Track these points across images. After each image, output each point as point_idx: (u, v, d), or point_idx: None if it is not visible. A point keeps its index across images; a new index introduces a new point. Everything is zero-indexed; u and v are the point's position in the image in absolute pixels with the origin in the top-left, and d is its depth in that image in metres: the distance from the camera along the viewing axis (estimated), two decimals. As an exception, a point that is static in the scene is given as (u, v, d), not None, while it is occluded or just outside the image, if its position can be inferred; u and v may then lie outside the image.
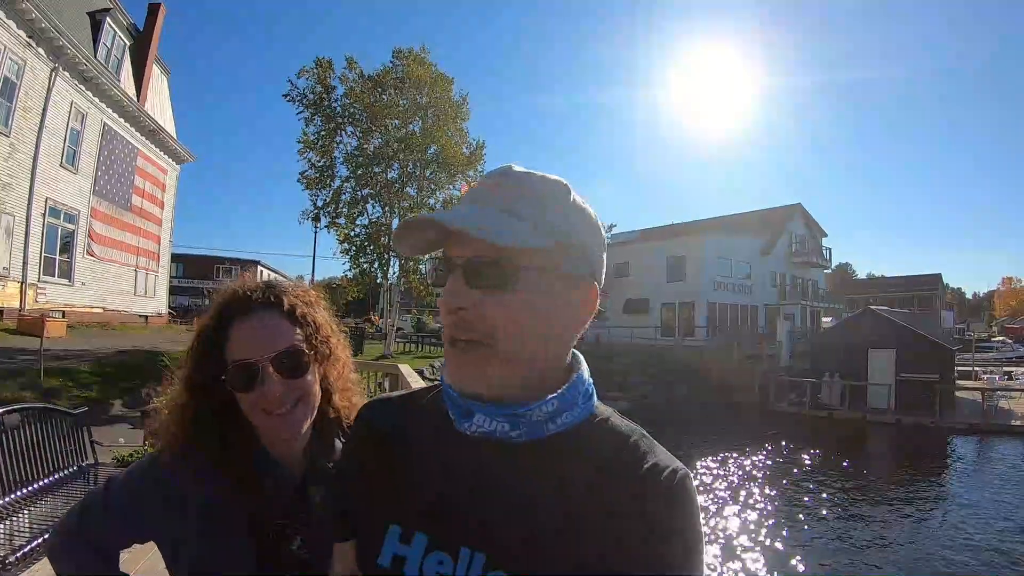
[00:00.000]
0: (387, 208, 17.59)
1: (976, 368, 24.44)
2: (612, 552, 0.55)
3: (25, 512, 3.20)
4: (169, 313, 22.12)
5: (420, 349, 18.91)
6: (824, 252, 35.97)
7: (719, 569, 7.92)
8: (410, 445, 0.67)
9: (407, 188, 17.69)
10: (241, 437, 0.91)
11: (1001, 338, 49.27)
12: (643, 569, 0.55)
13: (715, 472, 13.03)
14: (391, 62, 17.57)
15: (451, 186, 17.84)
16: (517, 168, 0.63)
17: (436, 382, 0.72)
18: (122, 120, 18.36)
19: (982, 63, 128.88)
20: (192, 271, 37.49)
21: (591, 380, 0.67)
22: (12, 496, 3.26)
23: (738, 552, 8.48)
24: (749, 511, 10.37)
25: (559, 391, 0.62)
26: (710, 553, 8.26)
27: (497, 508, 0.59)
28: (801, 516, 10.46)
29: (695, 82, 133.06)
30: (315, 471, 0.91)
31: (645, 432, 0.65)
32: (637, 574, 0.55)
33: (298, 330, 0.92)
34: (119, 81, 18.06)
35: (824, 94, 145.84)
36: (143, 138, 20.05)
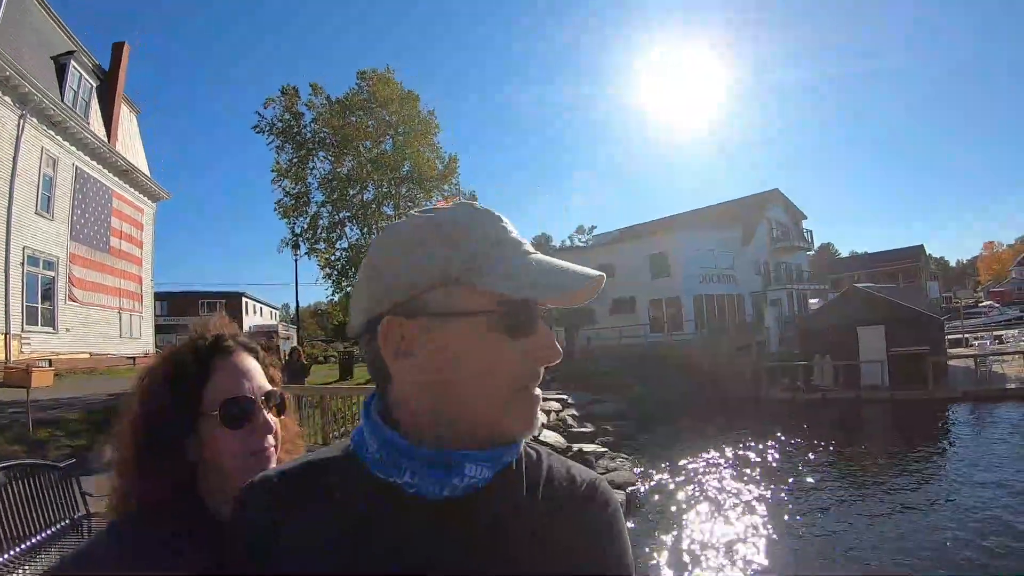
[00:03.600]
0: (365, 229, 17.61)
1: (966, 335, 24.68)
2: (566, 567, 0.58)
3: (20, 572, 3.18)
4: (156, 353, 21.91)
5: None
6: (805, 234, 36.21)
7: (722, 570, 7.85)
8: (343, 536, 0.57)
9: (384, 208, 17.73)
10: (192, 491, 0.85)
11: (988, 303, 49.70)
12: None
13: (712, 468, 13.00)
14: (356, 84, 17.64)
15: (427, 202, 17.84)
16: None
17: (330, 451, 0.66)
18: (94, 162, 18.34)
19: (955, 37, 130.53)
20: (176, 309, 37.57)
21: None
22: (5, 555, 3.21)
23: (738, 551, 8.42)
24: (749, 506, 10.39)
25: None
26: (710, 556, 8.27)
27: (474, 565, 0.56)
28: (804, 504, 10.52)
29: (665, 76, 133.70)
30: None
31: (548, 449, 0.68)
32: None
33: (266, 376, 0.95)
34: (88, 123, 18.03)
35: (796, 72, 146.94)
36: (116, 178, 20.00)
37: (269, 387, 0.92)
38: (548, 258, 0.61)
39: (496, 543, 0.57)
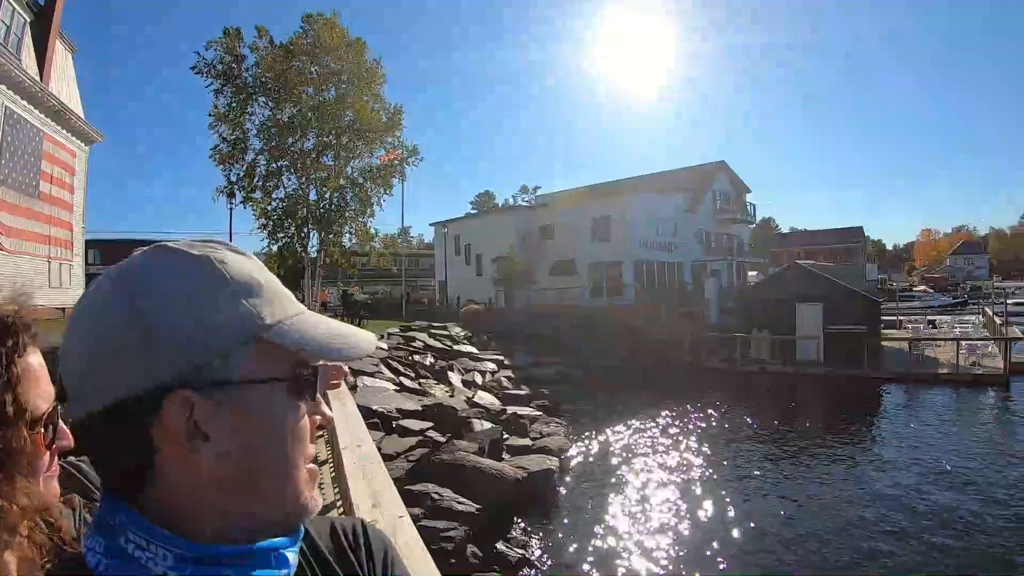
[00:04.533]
0: (303, 179, 17.01)
1: (901, 318, 25.19)
2: None
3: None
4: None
5: (347, 323, 18.37)
6: (748, 208, 36.67)
7: (654, 538, 7.77)
8: None
9: (323, 158, 17.12)
10: None
11: (923, 287, 51.68)
12: None
13: (647, 435, 13.01)
14: (301, 28, 16.91)
15: (369, 154, 17.36)
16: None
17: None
18: (24, 102, 17.39)
19: (897, 21, 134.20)
20: (109, 257, 35.07)
21: None
22: None
23: (666, 519, 8.39)
24: (681, 473, 10.50)
25: None
26: (638, 523, 8.27)
27: None
28: (738, 472, 10.67)
29: (616, 41, 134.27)
30: None
31: None
32: None
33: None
34: (20, 60, 16.93)
35: (746, 50, 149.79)
36: (48, 120, 18.96)
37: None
38: (315, 317, 0.53)
39: None
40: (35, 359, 0.67)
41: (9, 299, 0.68)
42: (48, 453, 0.66)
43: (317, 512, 0.52)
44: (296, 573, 0.51)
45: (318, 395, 0.51)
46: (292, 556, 0.50)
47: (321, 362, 0.50)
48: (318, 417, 0.52)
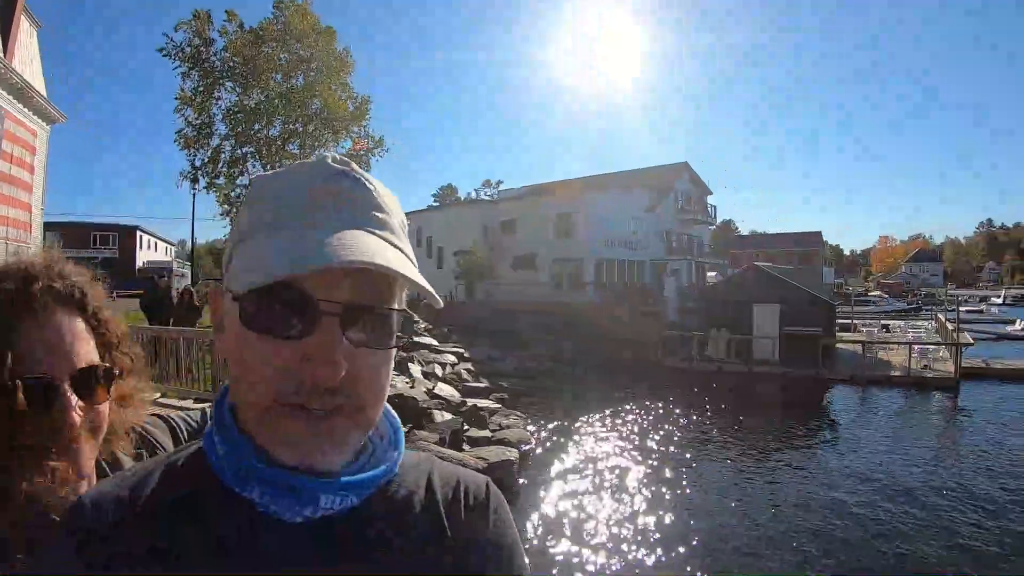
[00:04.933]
0: (268, 167, 16.85)
1: (855, 321, 26.00)
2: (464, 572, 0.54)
3: None
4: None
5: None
6: (709, 209, 37.45)
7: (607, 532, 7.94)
8: (187, 560, 0.47)
9: (289, 145, 17.06)
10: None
11: (878, 293, 53.32)
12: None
13: (606, 429, 13.26)
14: (272, 13, 16.77)
15: (335, 143, 17.30)
16: (356, 169, 0.52)
17: (178, 451, 0.56)
18: (-15, 78, 16.75)
19: (864, 28, 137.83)
20: (68, 240, 35.70)
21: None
22: None
23: (622, 513, 8.60)
24: (638, 467, 10.82)
25: (389, 441, 0.57)
26: (595, 516, 8.49)
27: None
28: (692, 468, 10.95)
29: (584, 40, 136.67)
30: None
31: (433, 456, 0.63)
32: None
33: (99, 340, 0.74)
34: (-18, 35, 16.47)
35: (713, 55, 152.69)
36: (9, 97, 18.45)
37: (87, 361, 0.70)
38: (323, 233, 0.47)
39: (372, 569, 0.50)
40: (57, 320, 0.70)
41: (27, 263, 0.73)
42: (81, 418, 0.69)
43: (291, 463, 0.48)
44: (363, 516, 0.52)
45: (316, 335, 0.47)
46: (339, 500, 0.50)
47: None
48: (301, 361, 0.47)
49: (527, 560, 0.59)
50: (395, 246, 0.49)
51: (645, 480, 9.89)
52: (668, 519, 8.35)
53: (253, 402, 0.48)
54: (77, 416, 0.68)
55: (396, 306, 0.50)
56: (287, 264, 0.44)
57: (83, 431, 0.70)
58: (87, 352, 0.71)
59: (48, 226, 23.37)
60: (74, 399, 0.68)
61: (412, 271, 0.47)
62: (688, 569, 7.00)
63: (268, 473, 0.48)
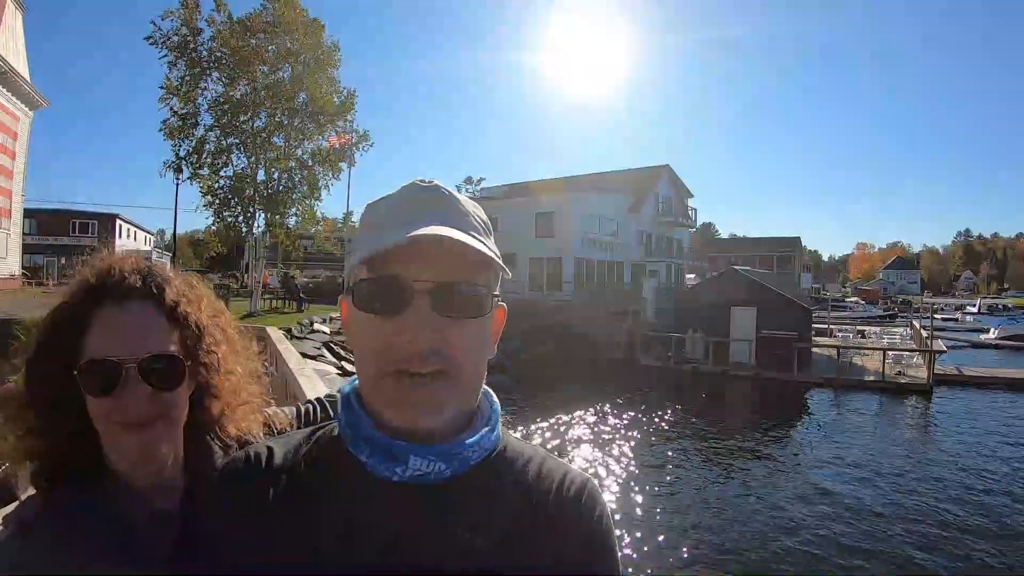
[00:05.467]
0: (252, 159, 16.93)
1: (832, 326, 26.31)
2: (549, 570, 0.57)
3: None
4: (23, 274, 20.43)
5: (287, 306, 18.32)
6: (689, 212, 37.78)
7: None
8: (311, 506, 0.59)
9: (274, 138, 17.10)
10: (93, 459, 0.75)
11: (854, 299, 54.00)
12: None
13: (582, 428, 13.39)
14: (261, 5, 16.79)
15: (320, 137, 17.33)
16: (442, 184, 0.62)
17: (319, 424, 0.68)
18: (-31, 61, 16.60)
19: (847, 30, 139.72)
20: (47, 228, 35.59)
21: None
22: None
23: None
24: (616, 468, 10.88)
25: (486, 421, 0.63)
26: None
27: (436, 555, 0.56)
28: (664, 467, 11.12)
29: (568, 39, 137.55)
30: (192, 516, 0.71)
31: (544, 450, 0.66)
32: None
33: (177, 332, 0.78)
34: (-35, 17, 16.30)
35: (698, 58, 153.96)
36: (-8, 80, 18.23)
37: (157, 348, 0.74)
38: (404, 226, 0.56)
39: (463, 535, 0.56)
40: (131, 310, 0.75)
41: (110, 259, 0.79)
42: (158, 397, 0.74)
43: (399, 425, 0.57)
44: (462, 487, 0.58)
45: (407, 313, 0.56)
46: (430, 465, 0.57)
47: None
48: (395, 335, 0.56)
49: (621, 567, 0.62)
50: (474, 237, 0.58)
51: (613, 478, 10.05)
52: (640, 518, 8.52)
53: (366, 373, 0.59)
54: (143, 398, 0.72)
55: (481, 285, 0.58)
56: (376, 248, 0.55)
57: (153, 413, 0.73)
58: (160, 342, 0.75)
59: (28, 212, 23.19)
60: (142, 384, 0.72)
61: (476, 243, 0.57)
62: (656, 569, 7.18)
63: (373, 437, 0.58)
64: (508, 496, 0.60)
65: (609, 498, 9.09)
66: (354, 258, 0.59)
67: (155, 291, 0.77)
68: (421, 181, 0.62)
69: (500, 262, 0.59)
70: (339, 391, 0.69)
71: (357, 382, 0.64)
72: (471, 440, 0.59)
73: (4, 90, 18.91)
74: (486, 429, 0.62)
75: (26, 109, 20.09)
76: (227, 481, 0.63)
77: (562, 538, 0.58)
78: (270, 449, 0.64)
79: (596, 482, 0.64)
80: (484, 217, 0.63)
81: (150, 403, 0.73)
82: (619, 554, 0.62)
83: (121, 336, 0.73)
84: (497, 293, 0.62)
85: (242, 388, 0.86)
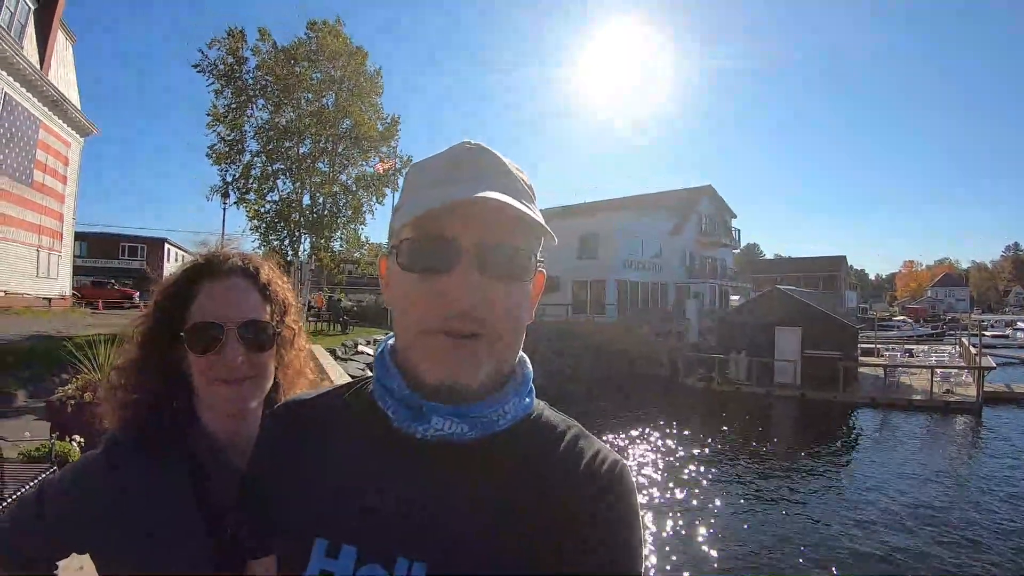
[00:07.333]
0: (298, 184, 17.30)
1: (878, 346, 25.75)
2: (559, 547, 0.56)
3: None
4: (73, 294, 21.09)
5: (332, 328, 18.62)
6: (733, 232, 37.53)
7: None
8: (335, 449, 0.63)
9: (319, 163, 17.47)
10: (185, 414, 0.88)
11: (902, 317, 52.62)
12: (591, 562, 0.56)
13: (623, 448, 13.28)
14: (305, 34, 17.22)
15: (364, 162, 17.68)
16: (487, 147, 0.62)
17: (358, 378, 0.71)
18: (24, 90, 17.46)
19: (891, 50, 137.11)
20: (96, 250, 36.66)
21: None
22: None
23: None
24: (656, 484, 10.82)
25: (517, 388, 0.62)
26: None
27: (439, 513, 0.57)
28: (710, 488, 11.00)
29: (613, 66, 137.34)
30: None
31: (579, 424, 0.66)
32: (587, 569, 0.55)
33: (268, 306, 0.91)
34: (22, 48, 16.96)
35: (740, 81, 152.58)
36: (45, 109, 19.07)
37: (252, 316, 0.88)
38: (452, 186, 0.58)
39: (469, 498, 0.57)
40: (232, 282, 0.89)
41: (218, 246, 0.95)
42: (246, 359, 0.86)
43: (433, 382, 0.57)
44: (488, 448, 0.59)
45: (453, 272, 0.56)
46: (451, 425, 0.57)
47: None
48: (441, 295, 0.57)
49: (644, 552, 0.60)
50: (519, 200, 0.57)
51: (659, 498, 10.00)
52: (682, 537, 8.46)
53: (408, 331, 0.59)
54: (239, 356, 0.85)
55: (524, 248, 0.59)
56: (422, 208, 0.55)
57: (246, 371, 0.86)
58: (254, 310, 0.89)
59: (78, 236, 23.95)
60: (239, 343, 0.85)
61: (521, 207, 0.56)
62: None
63: (401, 394, 0.59)
64: (531, 465, 0.59)
65: (647, 516, 9.04)
66: (399, 217, 0.60)
67: (252, 270, 0.91)
68: (468, 142, 0.62)
69: (545, 225, 0.58)
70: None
71: (392, 340, 0.66)
72: (497, 405, 0.59)
73: (56, 118, 19.60)
74: (516, 396, 0.61)
75: (76, 136, 20.78)
76: (272, 422, 0.70)
77: (580, 513, 0.57)
78: (314, 398, 0.69)
79: (628, 466, 0.62)
80: (528, 181, 0.63)
81: (244, 362, 0.85)
82: (642, 535, 0.60)
83: (223, 303, 0.87)
84: (541, 259, 0.63)
85: (305, 364, 1.00)
